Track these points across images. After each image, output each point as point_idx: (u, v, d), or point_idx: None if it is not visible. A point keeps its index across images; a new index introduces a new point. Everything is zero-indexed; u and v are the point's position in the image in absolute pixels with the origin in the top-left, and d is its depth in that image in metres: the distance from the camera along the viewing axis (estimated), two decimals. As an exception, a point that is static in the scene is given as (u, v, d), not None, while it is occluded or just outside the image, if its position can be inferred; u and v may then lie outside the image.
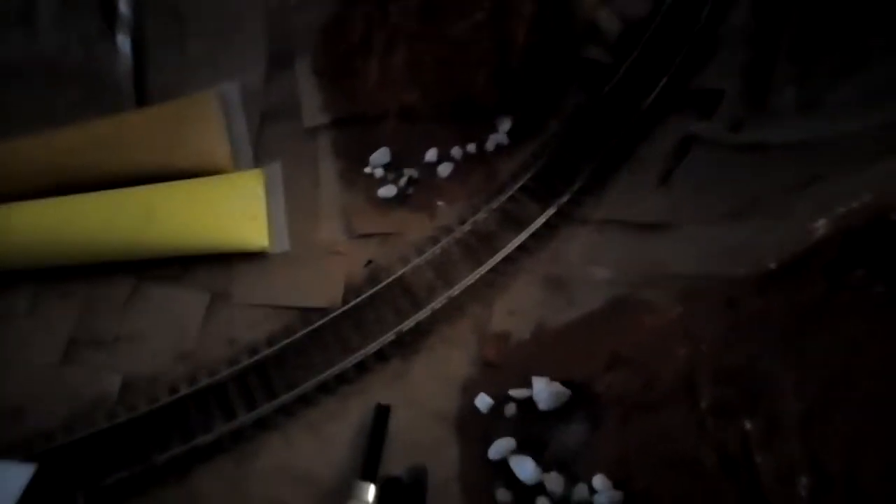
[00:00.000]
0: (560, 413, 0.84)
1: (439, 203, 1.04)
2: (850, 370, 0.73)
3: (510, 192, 1.02)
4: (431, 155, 1.07)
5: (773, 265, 0.79)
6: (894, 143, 0.81)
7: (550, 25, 1.08)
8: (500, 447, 0.83)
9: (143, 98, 1.09)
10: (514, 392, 0.86)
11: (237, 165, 1.06)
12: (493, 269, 0.96)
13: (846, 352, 0.74)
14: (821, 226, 0.76)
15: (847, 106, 0.90)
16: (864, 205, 0.73)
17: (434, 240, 0.99)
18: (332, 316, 0.93)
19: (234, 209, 1.00)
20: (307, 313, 0.94)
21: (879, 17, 0.92)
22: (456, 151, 1.07)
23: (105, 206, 0.98)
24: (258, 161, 1.07)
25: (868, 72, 0.91)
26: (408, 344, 0.91)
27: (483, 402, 0.86)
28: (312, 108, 1.10)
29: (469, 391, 0.88)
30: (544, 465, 0.81)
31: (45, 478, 0.74)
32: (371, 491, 0.79)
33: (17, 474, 0.73)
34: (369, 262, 0.98)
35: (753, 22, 1.10)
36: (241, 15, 1.11)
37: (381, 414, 0.85)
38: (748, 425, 0.75)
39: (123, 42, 1.07)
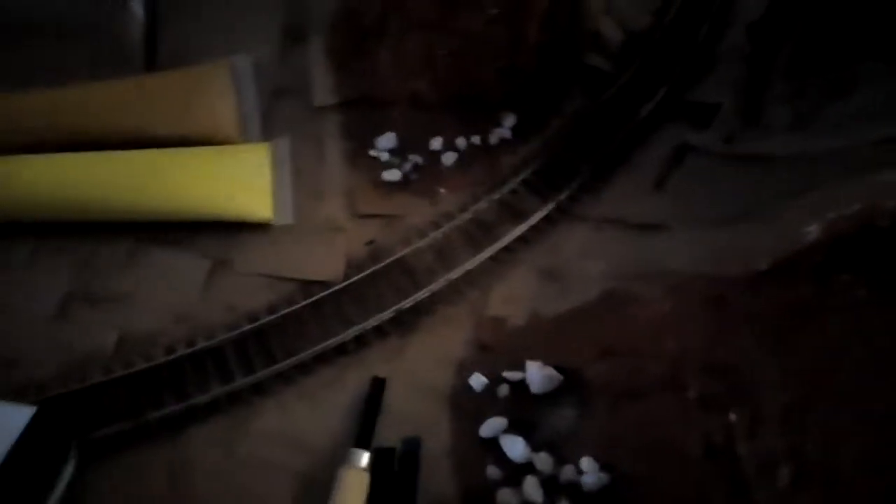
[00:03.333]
0: (551, 397, 0.87)
1: (441, 190, 1.06)
2: (833, 367, 0.78)
3: (511, 185, 1.05)
4: (437, 143, 1.10)
5: (763, 266, 0.84)
6: (883, 158, 0.86)
7: (561, 25, 1.11)
8: (491, 426, 0.85)
9: (153, 63, 1.10)
10: (507, 374, 0.88)
11: (245, 138, 1.07)
12: (491, 258, 0.99)
13: (830, 350, 0.79)
14: (812, 230, 0.80)
15: (837, 124, 0.96)
16: (855, 212, 0.78)
17: (435, 225, 1.02)
18: (333, 290, 0.95)
19: (239, 179, 1.01)
20: (308, 286, 0.96)
21: (870, 42, 0.97)
22: (461, 142, 1.10)
23: (110, 166, 0.99)
24: (266, 135, 1.08)
25: (858, 93, 0.96)
26: (406, 322, 0.93)
27: (477, 381, 0.88)
28: (323, 88, 1.12)
29: (464, 371, 0.90)
30: (534, 445, 0.84)
31: (43, 422, 0.74)
32: (365, 458, 0.80)
33: (17, 415, 0.73)
34: (371, 241, 1.00)
35: (748, 42, 1.15)
36: (260, -14, 1.13)
37: (377, 386, 0.87)
38: (732, 417, 0.79)
39: (137, 4, 1.08)
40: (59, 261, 0.96)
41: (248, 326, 0.91)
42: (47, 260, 0.96)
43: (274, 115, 1.10)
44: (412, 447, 0.82)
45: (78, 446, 0.81)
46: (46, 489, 0.77)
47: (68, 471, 0.79)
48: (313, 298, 0.94)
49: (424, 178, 1.07)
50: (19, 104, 1.03)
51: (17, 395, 0.81)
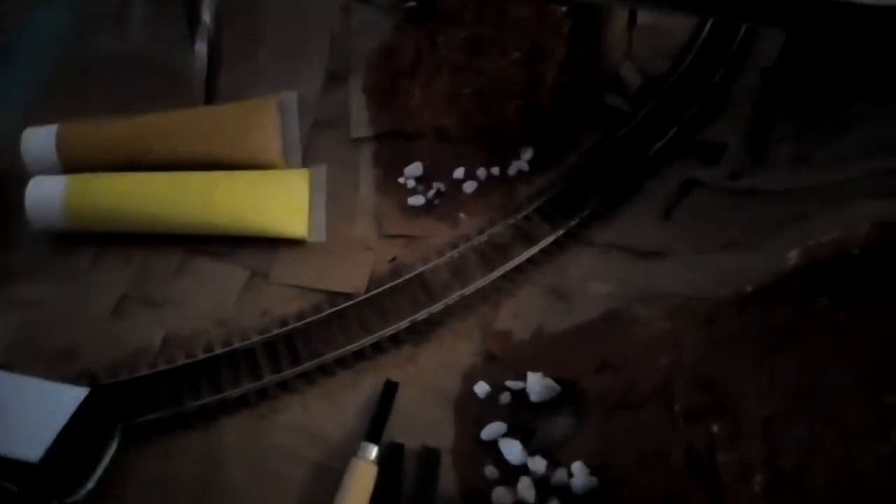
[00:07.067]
0: (549, 405, 0.94)
1: (461, 215, 1.15)
2: (811, 384, 0.82)
3: (526, 212, 1.13)
4: (459, 173, 1.19)
5: (749, 289, 0.89)
6: (870, 190, 0.91)
7: (578, 70, 1.21)
8: (492, 430, 0.92)
9: (211, 98, 1.23)
10: (509, 383, 0.95)
11: (287, 164, 1.19)
12: (503, 276, 1.07)
13: (809, 368, 0.83)
14: (793, 256, 0.86)
15: (833, 160, 1.01)
16: (832, 239, 0.83)
17: (453, 245, 1.10)
18: (356, 301, 1.04)
19: (280, 200, 1.12)
20: (334, 296, 1.05)
21: (865, 87, 1.03)
22: (481, 172, 1.19)
23: (169, 185, 1.11)
24: (306, 162, 1.20)
25: (854, 132, 1.02)
26: (420, 332, 1.02)
27: (481, 388, 0.96)
28: (359, 122, 1.23)
29: (470, 379, 0.97)
30: (530, 449, 0.90)
31: (94, 403, 0.84)
32: (374, 451, 0.88)
33: (73, 395, 0.84)
34: (394, 258, 1.09)
35: (761, 85, 1.22)
36: (308, 35, 1.26)
37: (390, 388, 0.95)
38: (715, 428, 0.84)
39: (201, 48, 1.21)
40: (118, 267, 1.09)
41: (278, 330, 1.01)
42: (108, 265, 1.09)
43: (314, 144, 1.22)
44: (433, 457, 0.89)
45: (122, 429, 0.91)
46: (93, 462, 0.87)
47: (112, 450, 0.90)
48: (338, 308, 1.03)
49: (446, 204, 1.17)
50: (99, 130, 1.17)
51: (73, 381, 0.92)
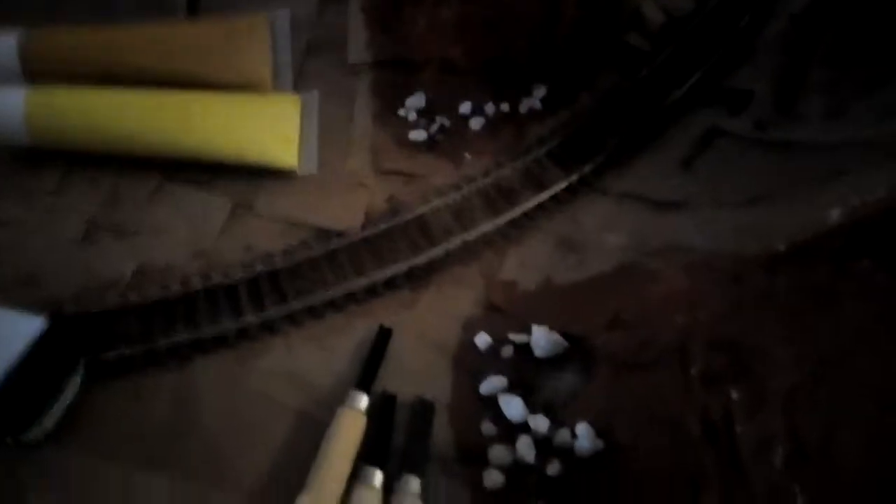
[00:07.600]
0: (554, 361, 0.87)
1: (466, 154, 1.06)
2: (845, 352, 0.76)
3: (536, 154, 1.05)
4: (465, 108, 1.10)
5: (782, 247, 0.82)
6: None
7: (598, 2, 1.11)
8: (492, 384, 0.85)
9: (195, 10, 1.12)
10: (513, 336, 0.88)
11: (277, 88, 1.08)
12: (509, 223, 0.99)
13: (843, 335, 0.77)
14: (834, 214, 0.79)
15: (872, 115, 0.94)
16: (879, 198, 0.76)
17: (457, 187, 1.02)
18: (349, 240, 0.96)
19: (268, 126, 1.02)
20: (326, 234, 0.97)
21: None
22: (489, 108, 1.10)
23: (145, 103, 1.01)
24: (297, 87, 1.10)
25: (893, 85, 0.94)
26: (418, 277, 0.94)
27: (482, 340, 0.88)
28: (357, 46, 1.13)
29: (470, 329, 0.90)
30: (532, 406, 0.83)
31: (55, 335, 0.76)
32: (364, 400, 0.81)
33: (30, 325, 0.75)
34: (391, 197, 1.01)
35: (791, 31, 1.13)
36: (303, -54, 1.15)
37: (384, 334, 0.88)
38: (734, 395, 0.78)
39: (185, -46, 1.10)
40: (87, 189, 0.99)
41: (263, 267, 0.93)
42: (75, 188, 0.99)
43: (307, 68, 1.12)
44: (427, 410, 0.82)
45: (87, 365, 0.83)
46: (52, 399, 0.79)
47: (74, 387, 0.81)
48: (330, 247, 0.95)
49: (450, 141, 1.08)
50: (68, 39, 1.05)
51: (33, 310, 0.83)
